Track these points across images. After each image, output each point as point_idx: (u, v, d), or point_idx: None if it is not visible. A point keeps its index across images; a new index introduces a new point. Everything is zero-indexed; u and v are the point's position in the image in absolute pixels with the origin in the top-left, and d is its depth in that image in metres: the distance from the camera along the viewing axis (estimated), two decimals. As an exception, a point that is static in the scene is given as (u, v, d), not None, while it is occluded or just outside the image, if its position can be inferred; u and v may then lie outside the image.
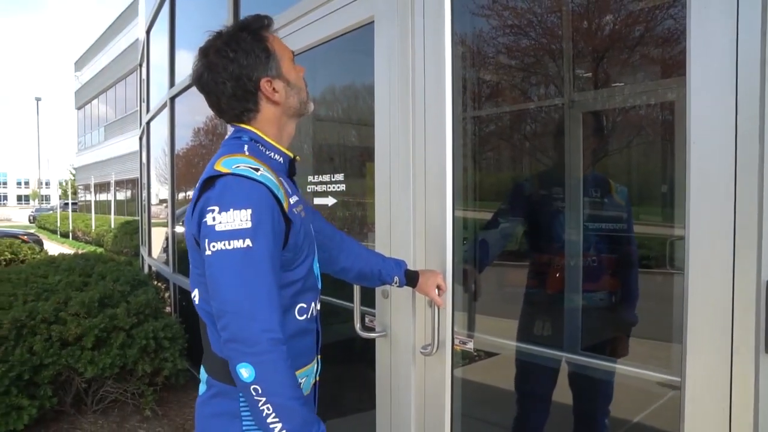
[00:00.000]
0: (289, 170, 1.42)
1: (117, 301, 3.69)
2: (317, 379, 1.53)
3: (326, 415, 1.92)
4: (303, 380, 1.40)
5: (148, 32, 6.53)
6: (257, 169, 1.24)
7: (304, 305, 1.37)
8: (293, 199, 1.33)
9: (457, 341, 1.97)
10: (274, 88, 1.34)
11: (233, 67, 1.30)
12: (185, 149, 4.92)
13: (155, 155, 6.29)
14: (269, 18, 1.39)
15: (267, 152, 1.36)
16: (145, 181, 6.80)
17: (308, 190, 2.64)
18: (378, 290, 2.17)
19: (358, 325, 2.17)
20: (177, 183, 4.87)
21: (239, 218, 1.18)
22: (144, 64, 6.88)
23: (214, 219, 1.19)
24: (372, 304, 2.23)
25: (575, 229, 2.16)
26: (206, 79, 1.34)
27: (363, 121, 2.51)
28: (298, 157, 1.44)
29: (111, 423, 3.57)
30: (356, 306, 2.17)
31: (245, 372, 1.16)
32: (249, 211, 1.19)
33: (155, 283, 4.99)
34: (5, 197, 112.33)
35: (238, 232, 1.18)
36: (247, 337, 1.17)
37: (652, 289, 2.13)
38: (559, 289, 2.18)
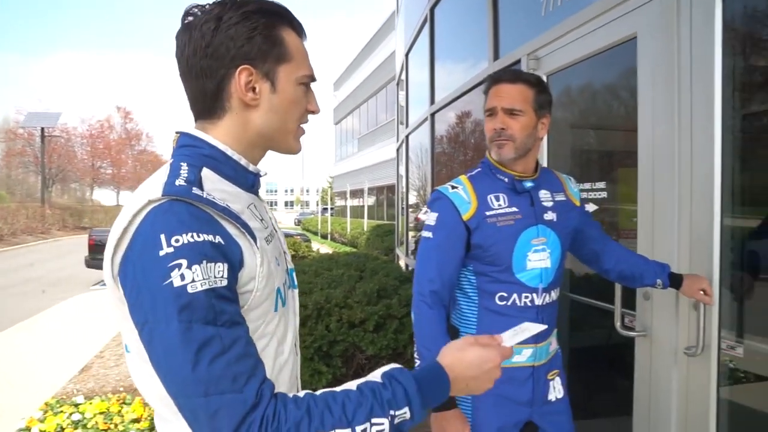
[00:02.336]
0: (515, 186, 1.76)
1: (390, 293, 4.21)
2: (535, 365, 1.78)
3: (580, 414, 2.04)
4: None
5: (406, 55, 7.24)
6: (455, 187, 1.75)
7: (504, 294, 1.74)
8: (492, 212, 1.71)
9: (724, 345, 1.93)
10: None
11: None
12: (444, 158, 5.38)
13: (412, 164, 6.97)
14: None
15: (496, 174, 1.77)
16: (403, 188, 7.54)
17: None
18: (639, 292, 2.23)
19: (618, 324, 2.24)
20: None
21: (431, 218, 1.75)
22: (403, 84, 7.64)
23: (425, 215, 1.81)
24: (631, 305, 2.27)
25: None
26: None
27: (619, 128, 2.59)
28: (519, 176, 1.75)
29: (382, 397, 4.12)
30: (617, 306, 2.24)
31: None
32: (436, 214, 1.74)
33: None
34: (275, 203, 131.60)
35: (428, 226, 1.76)
36: (417, 290, 1.73)
37: None
38: None
